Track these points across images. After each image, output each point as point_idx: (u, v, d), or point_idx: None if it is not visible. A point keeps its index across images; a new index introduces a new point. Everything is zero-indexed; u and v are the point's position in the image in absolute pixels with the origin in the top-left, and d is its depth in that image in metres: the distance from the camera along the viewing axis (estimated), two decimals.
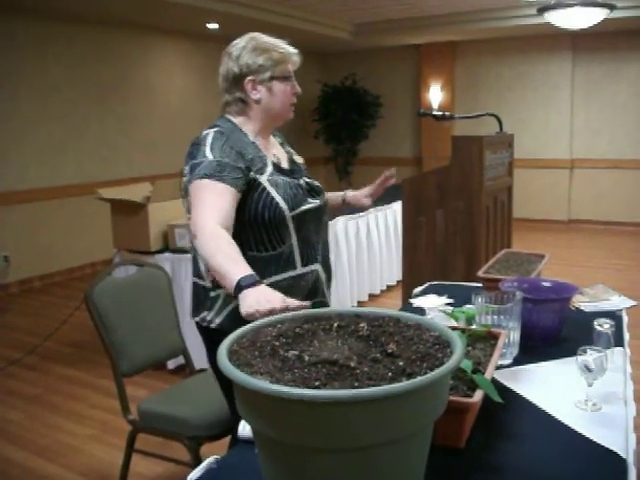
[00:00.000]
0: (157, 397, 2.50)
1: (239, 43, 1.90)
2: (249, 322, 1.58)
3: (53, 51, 6.55)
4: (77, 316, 4.56)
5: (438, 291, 2.35)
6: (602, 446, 1.30)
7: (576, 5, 5.50)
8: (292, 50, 1.92)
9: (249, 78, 1.86)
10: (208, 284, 1.90)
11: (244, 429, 1.40)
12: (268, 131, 1.99)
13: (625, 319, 2.12)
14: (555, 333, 1.90)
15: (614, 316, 2.05)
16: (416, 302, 2.17)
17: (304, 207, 1.91)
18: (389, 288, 5.72)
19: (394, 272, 5.72)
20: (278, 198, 1.84)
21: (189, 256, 3.72)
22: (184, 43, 8.28)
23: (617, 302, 2.23)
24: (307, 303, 1.50)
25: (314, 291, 1.98)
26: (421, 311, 2.02)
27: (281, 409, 0.91)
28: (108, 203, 4.04)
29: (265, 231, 1.83)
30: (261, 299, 1.43)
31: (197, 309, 1.96)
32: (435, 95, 9.68)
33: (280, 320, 1.22)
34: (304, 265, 1.91)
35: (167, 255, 3.87)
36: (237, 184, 1.76)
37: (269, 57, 1.86)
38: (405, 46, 9.74)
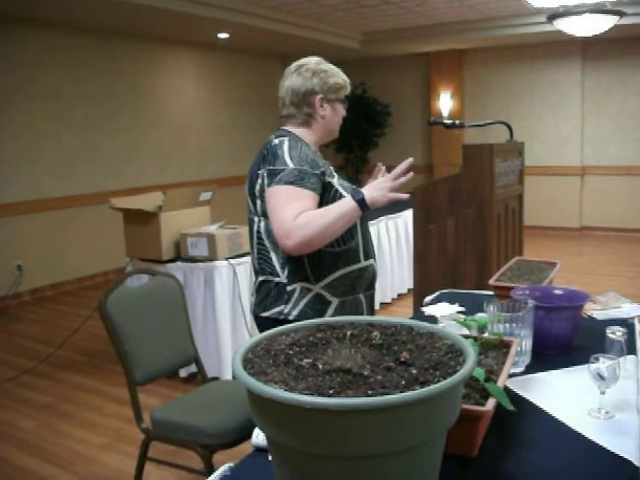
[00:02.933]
0: (170, 405, 2.51)
1: (309, 64, 2.08)
2: (324, 310, 2.01)
3: (66, 62, 6.62)
4: (89, 325, 4.60)
5: (449, 299, 2.35)
6: (615, 454, 1.30)
7: (585, 12, 5.50)
8: (348, 79, 2.18)
9: (320, 96, 2.06)
10: (284, 279, 2.02)
11: (257, 437, 1.41)
12: (319, 145, 2.17)
13: (637, 327, 2.11)
14: (567, 341, 1.89)
15: (626, 324, 2.05)
16: (428, 310, 2.17)
17: None
18: (400, 296, 5.72)
19: (405, 280, 5.72)
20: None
21: (201, 265, 3.81)
22: (194, 53, 8.34)
23: (629, 310, 2.22)
24: (410, 160, 1.87)
25: (371, 284, 2.15)
26: (433, 319, 2.02)
27: (295, 417, 0.92)
28: (120, 212, 4.07)
29: None
30: (378, 189, 1.87)
31: (269, 305, 2.07)
32: (445, 103, 9.67)
33: (294, 329, 1.23)
34: (366, 259, 2.09)
35: (179, 264, 3.90)
36: (316, 189, 1.94)
37: (336, 81, 2.10)
38: (414, 54, 9.76)
